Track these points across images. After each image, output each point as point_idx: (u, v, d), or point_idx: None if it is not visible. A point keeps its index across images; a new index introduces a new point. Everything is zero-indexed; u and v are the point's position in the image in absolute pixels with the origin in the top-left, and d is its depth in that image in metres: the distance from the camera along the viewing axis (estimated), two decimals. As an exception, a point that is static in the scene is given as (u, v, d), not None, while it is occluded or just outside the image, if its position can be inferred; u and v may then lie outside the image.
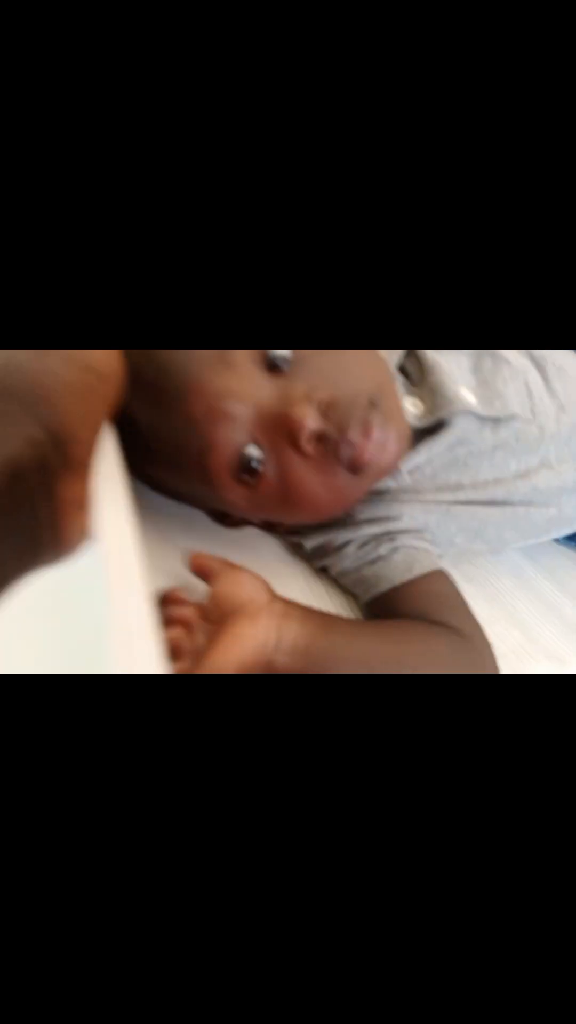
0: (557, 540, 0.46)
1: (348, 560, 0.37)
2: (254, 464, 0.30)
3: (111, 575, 0.20)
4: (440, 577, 0.36)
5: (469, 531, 0.39)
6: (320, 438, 0.29)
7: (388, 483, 0.36)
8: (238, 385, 0.29)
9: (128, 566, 0.21)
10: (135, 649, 0.19)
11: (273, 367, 0.29)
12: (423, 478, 0.37)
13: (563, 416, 0.38)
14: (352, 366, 0.31)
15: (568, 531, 0.42)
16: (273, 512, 0.34)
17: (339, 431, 0.29)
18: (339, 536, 0.37)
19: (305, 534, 0.39)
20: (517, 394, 0.38)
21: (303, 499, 0.31)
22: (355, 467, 0.30)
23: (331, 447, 0.29)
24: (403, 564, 0.35)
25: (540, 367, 0.40)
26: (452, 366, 0.37)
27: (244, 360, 0.29)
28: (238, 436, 0.29)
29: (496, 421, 0.36)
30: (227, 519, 0.39)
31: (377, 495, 0.36)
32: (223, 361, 0.29)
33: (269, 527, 0.41)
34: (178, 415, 0.29)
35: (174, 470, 0.33)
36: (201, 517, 0.39)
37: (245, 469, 0.30)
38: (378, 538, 0.36)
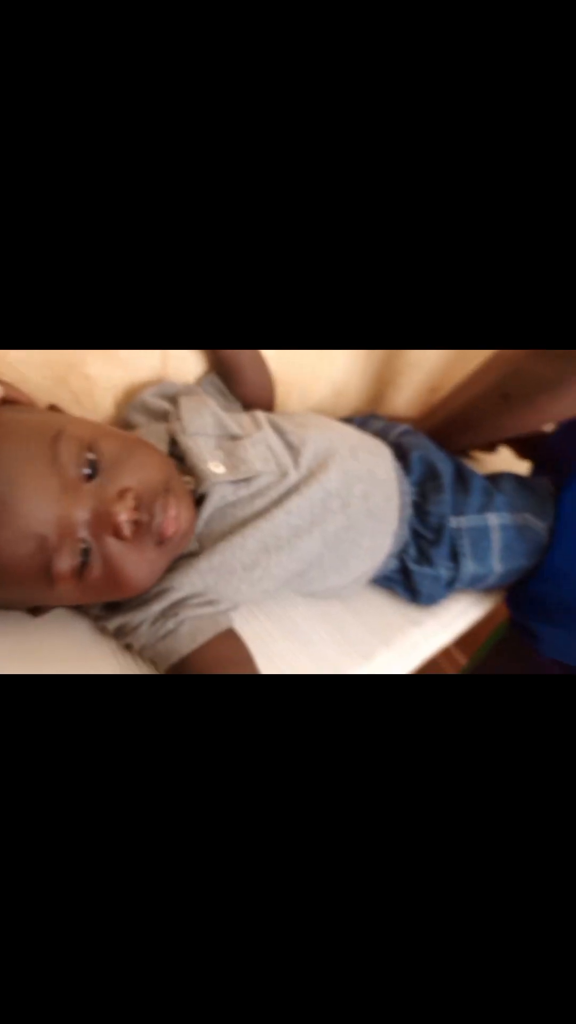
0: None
1: (144, 638, 0.42)
2: (87, 560, 0.36)
3: None
4: (225, 639, 0.42)
5: (248, 571, 0.44)
6: (136, 523, 0.36)
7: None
8: (73, 502, 0.35)
9: None
10: None
11: (89, 476, 0.36)
12: (206, 538, 0.44)
13: (300, 458, 0.47)
14: (147, 462, 0.39)
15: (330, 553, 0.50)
16: (99, 595, 0.39)
17: (149, 515, 0.37)
18: (135, 617, 0.41)
19: (107, 618, 0.43)
20: (259, 455, 0.46)
21: (126, 576, 0.38)
22: (162, 539, 0.38)
23: (143, 528, 0.37)
24: (188, 636, 0.41)
25: (277, 428, 0.49)
26: (201, 447, 0.45)
27: (76, 476, 0.35)
28: (80, 542, 0.35)
29: (247, 480, 0.45)
30: (39, 610, 0.42)
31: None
32: (59, 480, 0.34)
33: (78, 607, 0.45)
34: (10, 534, 0.33)
35: None
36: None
37: (82, 566, 0.36)
38: (165, 613, 0.42)
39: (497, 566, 0.55)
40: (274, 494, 0.45)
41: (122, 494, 0.36)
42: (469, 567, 0.54)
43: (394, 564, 0.54)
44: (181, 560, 0.43)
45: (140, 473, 0.38)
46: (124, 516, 0.35)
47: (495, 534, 0.54)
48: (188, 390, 0.52)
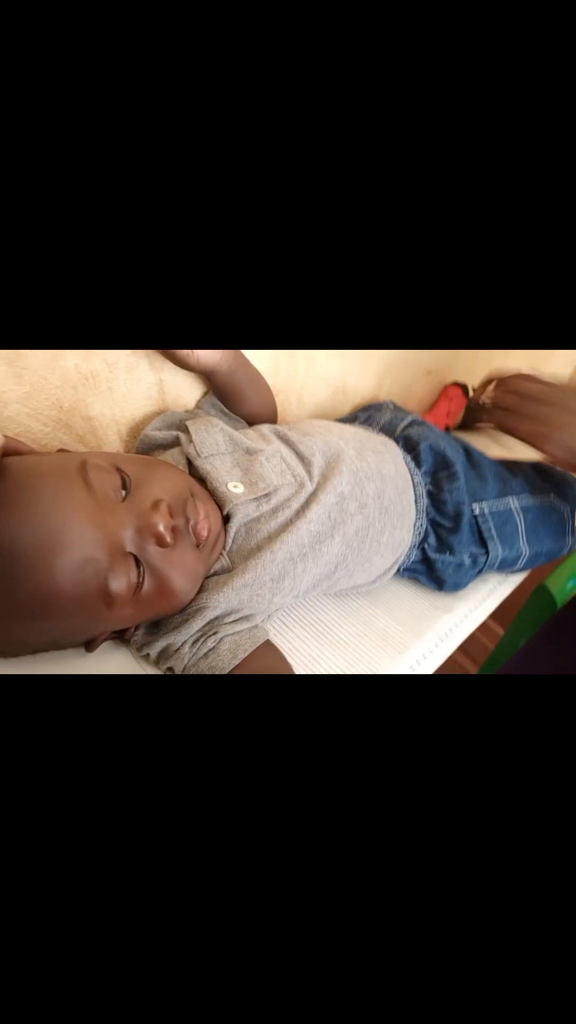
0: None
1: (186, 658, 0.43)
2: (140, 571, 0.37)
3: None
4: (263, 652, 0.43)
5: (277, 582, 0.45)
6: (174, 529, 0.38)
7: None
8: (116, 520, 0.36)
9: None
10: None
11: (123, 496, 0.37)
12: (235, 554, 0.45)
13: (312, 467, 0.48)
14: (168, 475, 0.41)
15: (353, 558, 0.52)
16: (150, 609, 0.40)
17: (184, 519, 0.40)
18: (177, 638, 0.42)
19: (150, 643, 0.44)
20: (275, 469, 0.47)
21: (173, 584, 0.39)
22: (199, 540, 0.40)
23: (181, 533, 0.39)
24: (229, 652, 0.42)
25: (286, 440, 0.50)
26: (218, 469, 0.45)
27: (112, 498, 0.37)
28: (130, 557, 0.36)
29: (267, 495, 0.46)
30: (91, 643, 0.43)
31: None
32: (97, 503, 0.36)
33: (119, 635, 0.46)
34: (58, 566, 0.33)
35: (39, 621, 0.36)
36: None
37: (138, 581, 0.37)
38: (204, 631, 0.43)
39: (525, 548, 0.55)
40: (295, 505, 0.46)
41: (156, 505, 0.38)
42: (498, 551, 0.54)
43: (416, 555, 0.55)
44: (214, 578, 0.44)
45: (165, 484, 0.40)
46: (163, 523, 0.37)
47: (519, 516, 0.54)
48: (192, 414, 0.53)
